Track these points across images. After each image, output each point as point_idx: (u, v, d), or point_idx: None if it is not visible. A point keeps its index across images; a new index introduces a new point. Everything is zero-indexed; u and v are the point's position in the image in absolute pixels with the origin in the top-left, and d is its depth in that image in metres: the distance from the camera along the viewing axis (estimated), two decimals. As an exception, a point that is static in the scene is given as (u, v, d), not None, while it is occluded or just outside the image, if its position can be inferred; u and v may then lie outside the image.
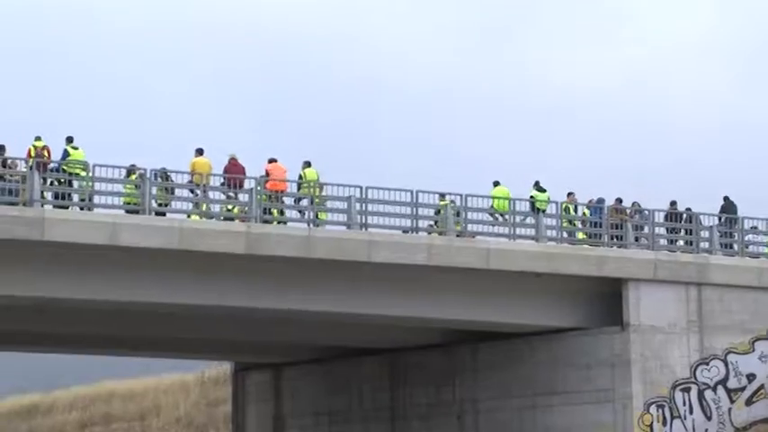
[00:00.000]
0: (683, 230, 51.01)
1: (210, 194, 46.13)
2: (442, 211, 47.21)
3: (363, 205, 45.32)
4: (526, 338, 48.57)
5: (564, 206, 48.74)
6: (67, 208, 41.75)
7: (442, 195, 48.47)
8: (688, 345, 46.91)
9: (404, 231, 46.02)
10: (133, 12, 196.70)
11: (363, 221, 45.22)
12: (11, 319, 47.24)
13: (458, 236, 46.70)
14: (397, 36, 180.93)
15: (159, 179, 43.35)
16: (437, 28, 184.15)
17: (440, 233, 46.87)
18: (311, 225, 44.97)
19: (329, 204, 46.41)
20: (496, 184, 48.44)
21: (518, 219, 48.41)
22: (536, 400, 47.84)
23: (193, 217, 44.80)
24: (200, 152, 44.81)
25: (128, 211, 42.30)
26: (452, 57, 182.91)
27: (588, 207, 49.66)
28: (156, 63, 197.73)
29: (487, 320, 46.98)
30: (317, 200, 46.05)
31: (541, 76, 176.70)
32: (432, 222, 47.53)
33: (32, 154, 41.73)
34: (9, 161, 42.37)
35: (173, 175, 44.28)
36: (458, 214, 47.51)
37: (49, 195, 41.79)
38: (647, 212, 50.40)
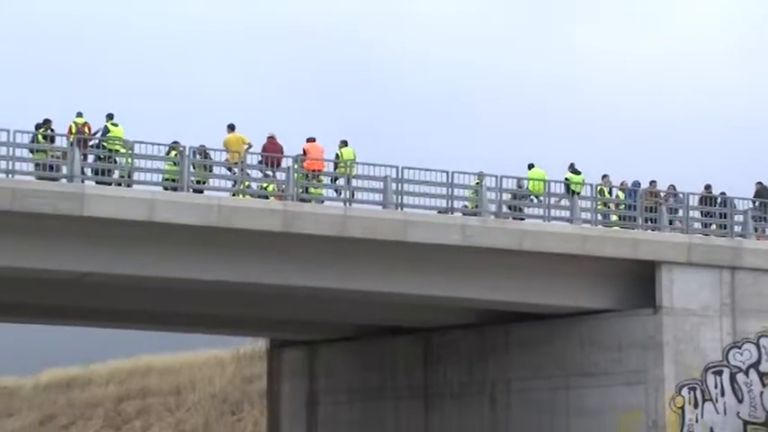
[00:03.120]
0: (717, 214, 49.92)
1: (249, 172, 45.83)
2: (475, 192, 46.92)
3: (399, 185, 45.03)
4: (559, 319, 48.18)
5: (598, 188, 47.97)
6: (109, 184, 41.81)
7: (479, 175, 47.30)
8: (720, 328, 46.50)
9: (439, 212, 45.66)
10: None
11: (399, 201, 44.92)
12: (50, 293, 47.60)
13: (493, 217, 46.26)
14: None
15: (198, 156, 43.57)
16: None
17: (474, 214, 46.28)
18: (347, 204, 44.92)
19: (365, 184, 45.84)
20: (531, 166, 48.05)
21: (553, 200, 47.91)
22: (568, 381, 47.55)
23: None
24: (231, 128, 45.01)
25: (166, 188, 42.51)
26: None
27: (622, 190, 49.03)
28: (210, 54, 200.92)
29: (521, 301, 46.65)
30: (353, 179, 45.69)
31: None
32: (467, 203, 46.93)
33: (73, 130, 41.96)
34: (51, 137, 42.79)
35: (211, 153, 44.34)
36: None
37: (88, 171, 41.96)
38: (681, 195, 49.41)
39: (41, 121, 42.53)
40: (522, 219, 47.54)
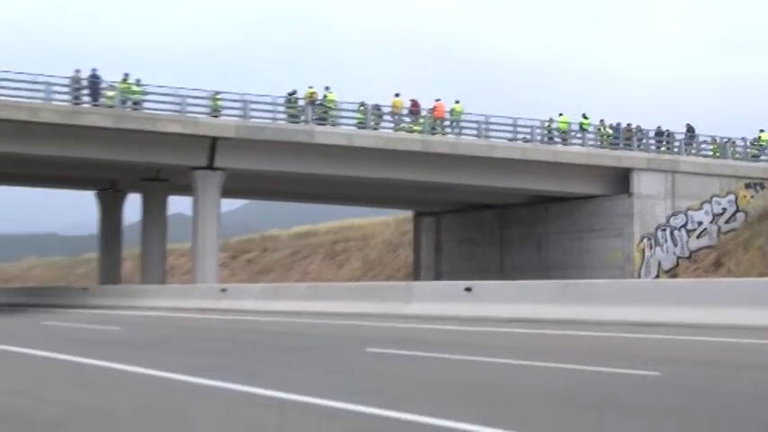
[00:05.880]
0: (664, 141, 52.24)
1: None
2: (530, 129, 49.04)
3: (486, 126, 47.97)
4: (576, 200, 50.54)
5: (598, 127, 50.74)
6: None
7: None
8: (665, 205, 49.43)
9: (508, 140, 48.16)
10: None
11: (487, 135, 47.85)
12: (300, 185, 51.61)
13: (540, 143, 48.96)
14: None
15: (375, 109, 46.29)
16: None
17: (526, 141, 48.33)
18: (458, 136, 47.61)
19: (467, 125, 48.29)
20: (561, 114, 50.13)
21: (573, 134, 50.69)
22: (581, 235, 50.49)
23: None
24: (396, 95, 47.03)
25: (358, 127, 45.75)
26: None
27: (611, 127, 51.07)
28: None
29: (554, 190, 49.64)
30: (460, 123, 48.00)
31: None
32: (526, 136, 48.69)
33: (307, 95, 45.01)
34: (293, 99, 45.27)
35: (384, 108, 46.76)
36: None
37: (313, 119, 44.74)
38: (645, 131, 51.95)
39: (291, 91, 45.41)
40: (556, 143, 49.86)
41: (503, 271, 52.85)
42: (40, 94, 40.95)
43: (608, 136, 51.30)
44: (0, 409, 9.19)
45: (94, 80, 42.05)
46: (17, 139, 40.34)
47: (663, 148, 52.41)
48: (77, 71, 42.25)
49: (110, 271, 55.77)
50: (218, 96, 43.93)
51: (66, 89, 41.78)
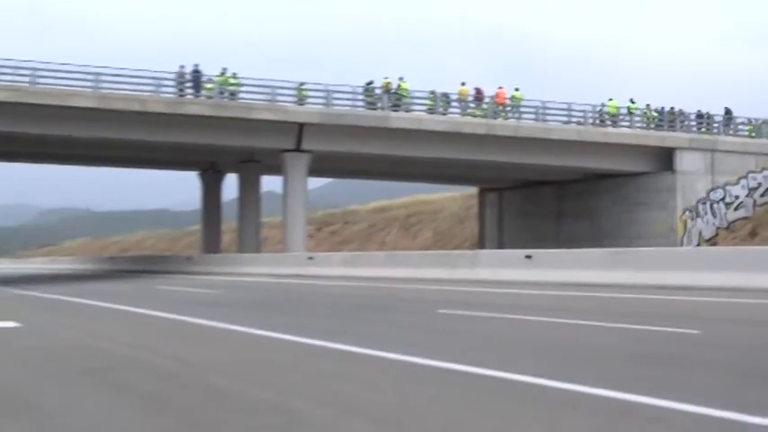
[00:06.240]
0: (704, 123, 51.74)
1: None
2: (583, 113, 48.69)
3: (543, 111, 48.11)
4: (625, 177, 50.05)
5: (644, 111, 50.42)
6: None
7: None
8: (705, 181, 48.91)
9: (563, 123, 48.15)
10: None
11: (544, 118, 47.89)
12: (376, 165, 51.32)
13: (592, 125, 48.68)
14: None
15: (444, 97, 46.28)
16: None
17: (579, 124, 48.27)
18: (518, 121, 47.28)
19: (526, 109, 48.25)
20: (610, 99, 49.82)
21: (621, 117, 50.01)
22: (629, 208, 50.08)
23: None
24: (462, 84, 47.24)
25: (427, 113, 45.64)
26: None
27: (656, 111, 50.66)
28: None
29: (607, 167, 49.17)
30: (520, 108, 47.79)
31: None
32: (580, 119, 48.58)
33: (383, 85, 45.37)
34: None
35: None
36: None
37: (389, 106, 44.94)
38: (686, 113, 51.56)
39: (369, 81, 45.74)
40: (607, 126, 49.35)
41: (558, 241, 52.45)
42: (150, 88, 41.68)
43: (653, 118, 50.85)
44: (124, 359, 9.49)
45: (196, 74, 42.93)
46: (131, 126, 41.26)
47: (703, 130, 51.90)
48: (182, 67, 43.24)
49: (211, 242, 56.83)
50: (303, 87, 44.18)
51: (171, 83, 42.41)
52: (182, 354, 10.00)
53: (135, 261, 64.20)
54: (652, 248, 26.90)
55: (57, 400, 6.99)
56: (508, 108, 47.99)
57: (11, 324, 14.56)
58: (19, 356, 10.13)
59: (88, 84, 40.54)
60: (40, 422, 6.11)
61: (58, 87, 40.11)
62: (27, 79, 39.83)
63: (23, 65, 40.25)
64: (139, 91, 41.50)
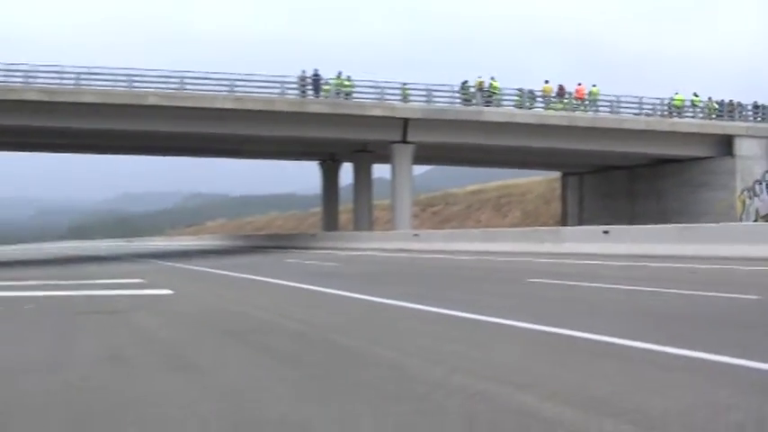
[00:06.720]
0: (760, 113, 50.24)
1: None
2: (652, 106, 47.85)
3: (617, 104, 47.35)
4: (689, 161, 49.01)
5: (707, 104, 49.35)
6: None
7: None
8: (761, 164, 47.61)
9: (634, 114, 47.23)
10: None
11: (618, 111, 47.07)
12: (472, 153, 50.90)
13: (660, 116, 47.70)
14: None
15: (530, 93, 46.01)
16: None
17: (648, 115, 47.46)
18: (596, 113, 46.59)
19: (602, 103, 47.39)
20: (676, 93, 48.58)
21: (686, 108, 48.95)
22: (693, 189, 48.99)
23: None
24: (546, 81, 46.89)
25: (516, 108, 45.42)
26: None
27: (717, 103, 49.63)
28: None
29: (674, 153, 48.32)
30: (597, 102, 47.13)
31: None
32: (649, 111, 47.74)
33: (477, 84, 45.03)
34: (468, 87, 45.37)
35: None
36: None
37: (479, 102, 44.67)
38: (744, 105, 50.33)
39: (464, 81, 45.36)
40: (673, 116, 48.22)
41: (631, 218, 51.50)
42: (276, 90, 42.12)
43: (714, 109, 49.75)
44: (261, 323, 9.69)
45: (316, 78, 43.14)
46: (261, 123, 41.79)
47: (759, 118, 50.54)
48: (303, 71, 43.48)
49: (330, 221, 57.39)
50: (406, 86, 44.18)
51: (294, 85, 42.90)
52: (309, 318, 10.13)
53: (267, 238, 65.01)
54: (715, 224, 26.32)
55: (208, 357, 7.16)
56: (586, 102, 47.37)
57: (167, 292, 14.95)
58: (175, 320, 10.39)
59: (224, 88, 41.21)
60: (197, 376, 6.27)
61: (199, 91, 40.87)
62: (175, 85, 40.68)
63: (172, 73, 41.10)
64: (268, 93, 41.97)
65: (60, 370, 6.64)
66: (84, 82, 39.37)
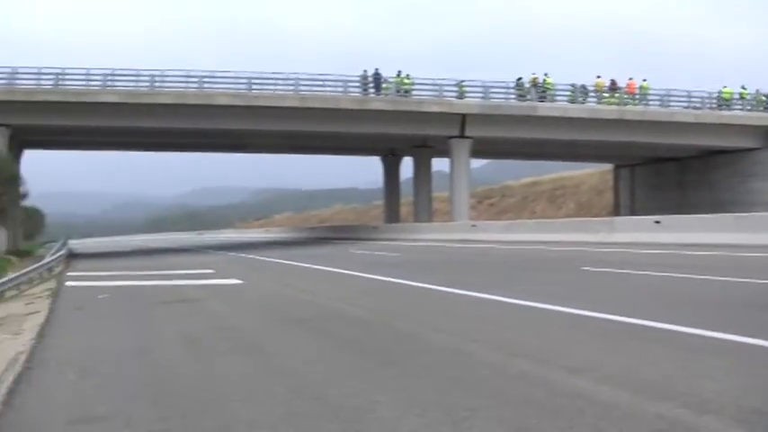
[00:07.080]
0: None
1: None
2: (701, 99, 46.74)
3: (668, 98, 45.98)
4: (739, 152, 47.63)
5: (755, 96, 47.92)
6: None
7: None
8: None
9: (684, 107, 45.88)
10: None
11: (668, 104, 45.75)
12: (527, 147, 49.56)
13: (709, 109, 46.26)
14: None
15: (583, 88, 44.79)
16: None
17: (697, 108, 46.14)
18: (646, 107, 45.35)
19: (652, 97, 45.99)
20: (725, 86, 47.54)
21: (734, 101, 47.47)
22: (743, 179, 47.67)
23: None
24: (598, 77, 45.39)
25: (569, 102, 44.42)
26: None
27: (765, 95, 48.18)
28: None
29: (724, 145, 47.04)
30: (647, 96, 45.77)
31: None
32: (697, 104, 46.40)
33: (531, 80, 44.20)
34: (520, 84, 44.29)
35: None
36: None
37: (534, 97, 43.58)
38: None
39: (519, 77, 44.50)
40: (722, 109, 46.64)
41: (681, 208, 49.62)
42: (339, 89, 42.16)
43: (762, 101, 48.47)
44: (325, 309, 9.76)
45: (377, 77, 43.06)
46: (326, 121, 41.69)
47: (810, 109, 49.13)
48: (365, 71, 43.29)
49: (392, 213, 57.21)
50: (463, 83, 43.79)
51: (356, 84, 42.74)
52: (372, 305, 10.16)
53: (331, 230, 65.12)
54: None
55: (274, 342, 7.24)
56: (637, 96, 46.47)
57: (236, 281, 15.11)
58: (244, 307, 10.53)
59: (290, 87, 41.50)
60: (264, 359, 6.34)
61: (267, 91, 41.16)
62: (243, 86, 41.05)
63: (240, 74, 41.42)
64: (331, 91, 42.00)
65: (148, 353, 6.93)
66: (157, 84, 39.95)
